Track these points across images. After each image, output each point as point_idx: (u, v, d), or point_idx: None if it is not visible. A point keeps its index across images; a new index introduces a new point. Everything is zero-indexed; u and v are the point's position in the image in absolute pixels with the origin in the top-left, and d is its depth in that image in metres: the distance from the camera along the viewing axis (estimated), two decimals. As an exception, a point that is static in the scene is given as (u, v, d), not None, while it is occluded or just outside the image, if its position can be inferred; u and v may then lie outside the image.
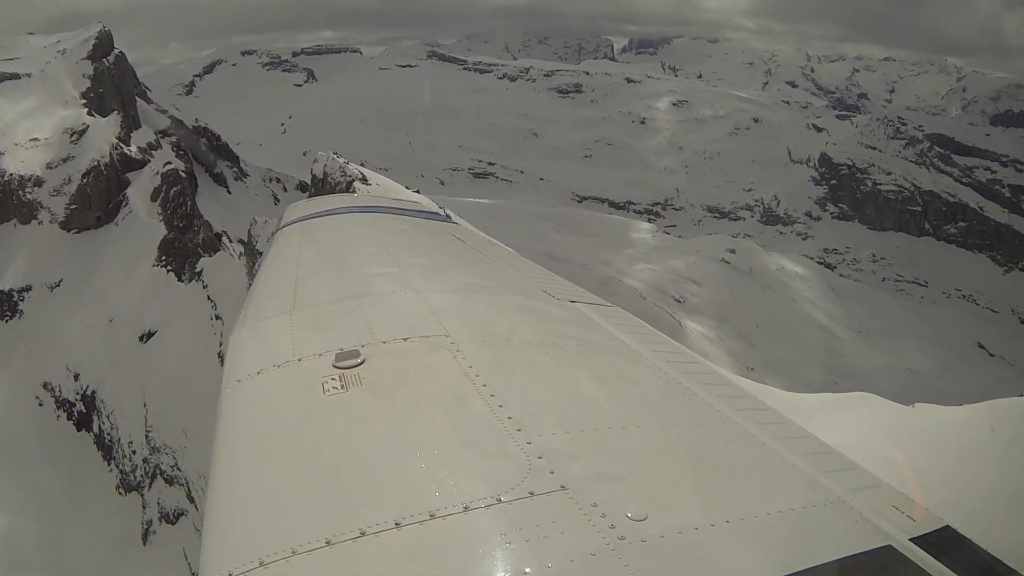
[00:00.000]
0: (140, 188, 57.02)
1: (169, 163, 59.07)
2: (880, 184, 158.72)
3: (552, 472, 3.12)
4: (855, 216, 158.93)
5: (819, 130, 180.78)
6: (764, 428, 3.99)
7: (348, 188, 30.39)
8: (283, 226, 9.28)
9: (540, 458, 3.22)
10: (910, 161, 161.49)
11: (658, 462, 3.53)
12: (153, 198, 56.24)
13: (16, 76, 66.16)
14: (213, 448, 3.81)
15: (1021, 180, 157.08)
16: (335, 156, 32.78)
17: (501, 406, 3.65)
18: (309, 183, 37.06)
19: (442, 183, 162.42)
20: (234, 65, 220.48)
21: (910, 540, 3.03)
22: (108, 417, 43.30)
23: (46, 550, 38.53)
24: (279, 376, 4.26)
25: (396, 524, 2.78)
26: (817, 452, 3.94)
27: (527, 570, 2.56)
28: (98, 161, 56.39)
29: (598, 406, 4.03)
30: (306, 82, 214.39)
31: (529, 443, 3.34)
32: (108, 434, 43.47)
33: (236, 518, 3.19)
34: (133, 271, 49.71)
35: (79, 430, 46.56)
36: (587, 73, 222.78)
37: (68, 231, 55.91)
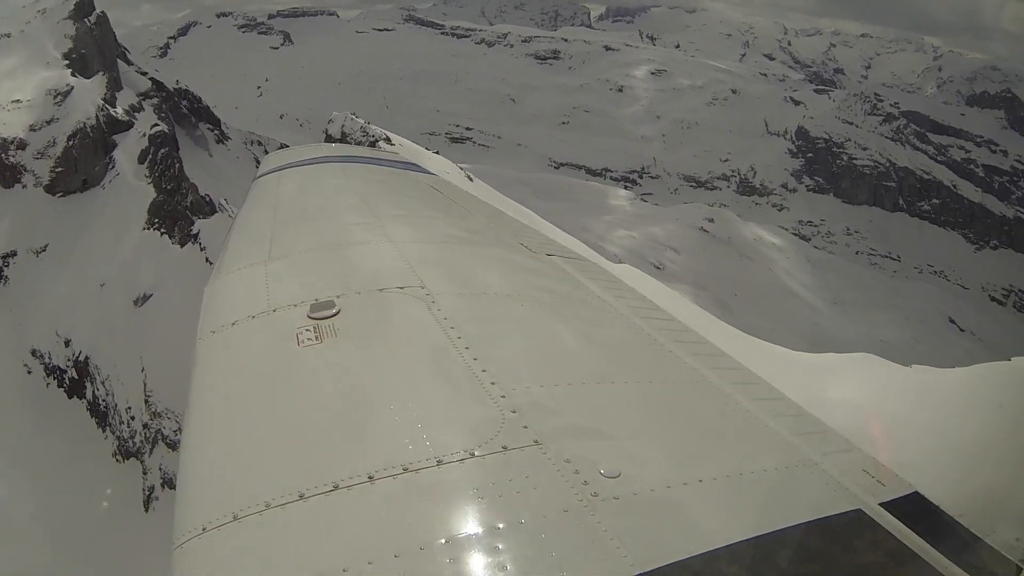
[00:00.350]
0: (127, 150, 55.98)
1: (156, 125, 58.01)
2: (856, 159, 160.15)
3: (526, 427, 3.12)
4: (830, 189, 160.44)
5: (796, 103, 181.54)
6: (739, 388, 4.02)
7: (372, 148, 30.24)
8: (260, 175, 9.18)
9: (514, 412, 3.22)
10: (886, 137, 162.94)
11: (632, 419, 3.55)
12: (140, 160, 55.27)
13: (-4, 36, 64.46)
14: (187, 401, 3.82)
15: (995, 161, 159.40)
16: (353, 116, 32.40)
17: (476, 359, 3.65)
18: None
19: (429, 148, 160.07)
20: (209, 27, 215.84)
21: (879, 504, 3.08)
22: (104, 383, 42.90)
23: (43, 518, 38.29)
24: (254, 327, 4.25)
25: (369, 478, 2.79)
26: (791, 414, 3.97)
27: (500, 525, 2.58)
28: (84, 123, 55.27)
29: (573, 361, 4.05)
30: (282, 45, 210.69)
31: (503, 397, 3.33)
32: (103, 400, 43.09)
33: (210, 472, 3.20)
34: (122, 235, 48.95)
35: (70, 397, 46.10)
36: (565, 40, 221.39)
37: (53, 195, 54.86)
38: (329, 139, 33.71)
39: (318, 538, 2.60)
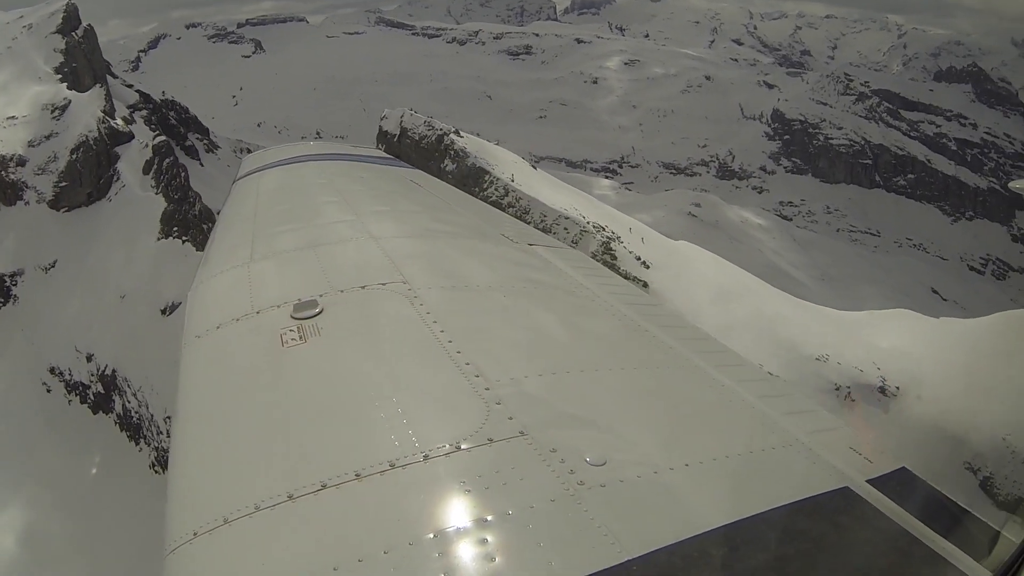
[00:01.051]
0: (130, 162, 55.52)
1: (159, 134, 57.58)
2: (832, 138, 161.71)
3: (511, 418, 3.14)
4: (808, 170, 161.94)
5: (770, 87, 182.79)
6: (724, 370, 4.03)
7: (440, 142, 30.12)
8: (240, 177, 9.23)
9: (499, 404, 3.24)
10: (860, 116, 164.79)
11: (617, 406, 3.56)
12: (145, 171, 54.85)
13: (-19, 52, 63.52)
14: (175, 406, 3.87)
15: (965, 134, 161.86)
16: (412, 111, 32.32)
17: (459, 352, 3.67)
18: (376, 142, 36.44)
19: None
20: (179, 39, 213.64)
21: (867, 481, 3.10)
22: (135, 395, 42.50)
23: (77, 541, 37.84)
24: (238, 330, 4.26)
25: (356, 475, 2.80)
26: (777, 394, 4.02)
27: (488, 517, 2.59)
28: (86, 136, 54.79)
29: (557, 350, 4.07)
30: (254, 53, 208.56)
31: (488, 389, 3.35)
32: (135, 412, 42.68)
33: (199, 476, 3.21)
34: (136, 246, 48.50)
35: (95, 413, 45.61)
36: (536, 35, 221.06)
37: (58, 210, 54.35)
38: (385, 135, 33.56)
39: (308, 538, 2.62)
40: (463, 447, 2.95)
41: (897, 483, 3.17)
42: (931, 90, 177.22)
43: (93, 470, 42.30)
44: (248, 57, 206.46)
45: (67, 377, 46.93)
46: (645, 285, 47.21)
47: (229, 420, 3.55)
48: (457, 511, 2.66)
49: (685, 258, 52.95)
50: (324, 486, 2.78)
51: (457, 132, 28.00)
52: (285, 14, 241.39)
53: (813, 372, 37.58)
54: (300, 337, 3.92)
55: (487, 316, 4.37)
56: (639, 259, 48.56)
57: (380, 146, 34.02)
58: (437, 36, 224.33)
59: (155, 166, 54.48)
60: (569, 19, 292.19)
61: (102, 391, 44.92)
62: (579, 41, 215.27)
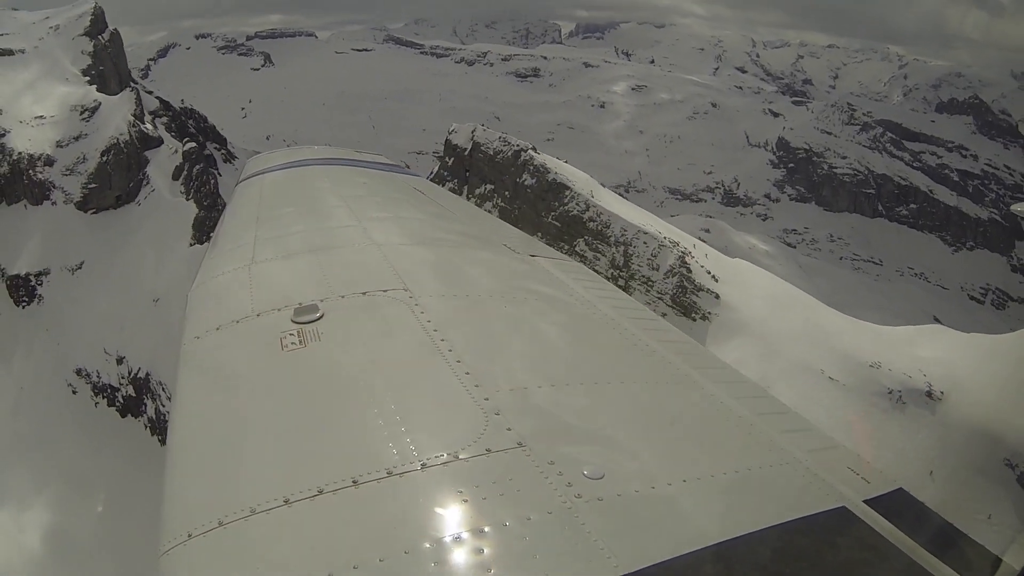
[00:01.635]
0: (160, 167, 55.57)
1: (189, 141, 57.60)
2: (836, 167, 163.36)
3: (509, 429, 3.13)
4: (812, 198, 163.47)
5: (775, 115, 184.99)
6: (724, 387, 4.03)
7: (518, 157, 30.33)
8: (243, 179, 9.16)
9: (498, 414, 3.23)
10: (864, 146, 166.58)
11: (616, 420, 3.54)
12: (175, 177, 54.85)
13: (9, 52, 63.64)
14: (172, 406, 3.83)
15: (966, 165, 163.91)
16: (484, 127, 32.62)
17: (459, 361, 3.66)
18: (444, 154, 36.60)
19: (407, 166, 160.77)
20: (188, 49, 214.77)
21: (864, 502, 3.09)
22: (170, 398, 42.16)
23: (102, 541, 37.50)
24: (237, 332, 4.24)
25: (354, 482, 2.80)
26: (775, 412, 3.98)
27: (484, 528, 2.59)
28: (117, 139, 54.75)
29: (557, 362, 4.07)
30: (263, 66, 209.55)
31: (487, 399, 3.35)
32: (167, 415, 42.32)
33: (195, 478, 3.18)
34: (169, 251, 48.42)
35: (124, 416, 45.25)
36: (544, 58, 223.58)
37: (85, 211, 54.27)
38: (454, 148, 33.89)
39: (303, 543, 2.62)
40: (461, 456, 2.94)
41: (894, 504, 3.16)
42: (933, 121, 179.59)
43: (120, 472, 41.89)
44: (257, 70, 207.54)
45: (95, 379, 46.62)
46: (717, 296, 48.46)
47: (226, 422, 3.52)
48: (454, 520, 2.65)
49: (743, 273, 54.62)
50: (321, 491, 2.77)
51: (535, 148, 28.18)
52: (294, 29, 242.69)
53: (869, 378, 40.04)
54: (300, 341, 3.91)
55: (488, 326, 4.37)
56: (709, 272, 50.27)
57: (447, 158, 34.29)
58: (446, 56, 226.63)
59: (185, 172, 54.47)
60: (573, 43, 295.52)
61: (133, 394, 44.58)
62: (587, 65, 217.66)
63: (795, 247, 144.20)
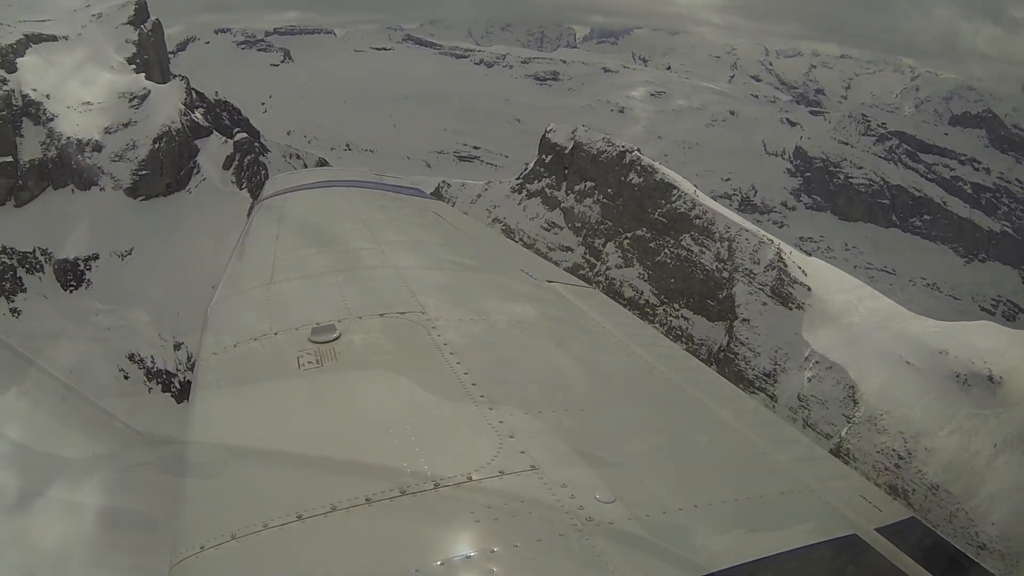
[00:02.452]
0: (210, 155, 55.85)
1: (239, 131, 57.85)
2: (852, 178, 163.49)
3: (523, 452, 3.15)
4: (827, 207, 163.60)
5: (792, 124, 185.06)
6: (737, 416, 4.04)
7: (623, 158, 30.43)
8: (264, 198, 9.19)
9: (512, 437, 3.25)
10: (879, 157, 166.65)
11: (629, 445, 3.57)
12: (225, 166, 55.08)
13: (53, 38, 63.70)
14: (188, 420, 3.85)
15: (979, 178, 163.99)
16: (585, 127, 32.86)
17: (475, 384, 3.69)
18: (539, 152, 36.77)
19: (428, 165, 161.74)
20: (207, 43, 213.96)
21: (875, 530, 3.09)
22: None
23: (156, 526, 37.47)
24: (255, 349, 4.28)
25: (367, 500, 2.81)
26: (787, 440, 4.00)
27: (495, 549, 2.60)
28: (168, 127, 54.93)
29: (571, 387, 4.09)
30: (282, 62, 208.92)
31: (501, 422, 3.37)
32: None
33: (209, 491, 3.21)
34: (223, 239, 48.48)
35: (179, 402, 45.33)
36: (563, 61, 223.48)
37: (135, 198, 54.40)
38: (551, 147, 34.10)
39: (315, 559, 2.63)
40: (474, 478, 2.96)
41: (906, 532, 3.16)
42: (946, 134, 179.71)
43: (175, 456, 41.86)
44: (276, 66, 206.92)
45: (148, 364, 46.71)
46: (808, 289, 50.87)
47: (242, 437, 3.56)
48: (465, 541, 2.68)
49: (821, 269, 59.05)
50: (334, 508, 2.78)
51: (639, 150, 28.52)
52: (312, 26, 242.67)
53: (938, 363, 45.45)
54: (317, 361, 3.95)
55: (503, 350, 4.43)
56: (800, 268, 53.59)
57: (544, 156, 34.30)
58: (465, 57, 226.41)
59: (235, 162, 54.68)
60: (588, 47, 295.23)
61: (190, 380, 44.53)
62: (605, 70, 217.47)
63: (810, 255, 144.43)
